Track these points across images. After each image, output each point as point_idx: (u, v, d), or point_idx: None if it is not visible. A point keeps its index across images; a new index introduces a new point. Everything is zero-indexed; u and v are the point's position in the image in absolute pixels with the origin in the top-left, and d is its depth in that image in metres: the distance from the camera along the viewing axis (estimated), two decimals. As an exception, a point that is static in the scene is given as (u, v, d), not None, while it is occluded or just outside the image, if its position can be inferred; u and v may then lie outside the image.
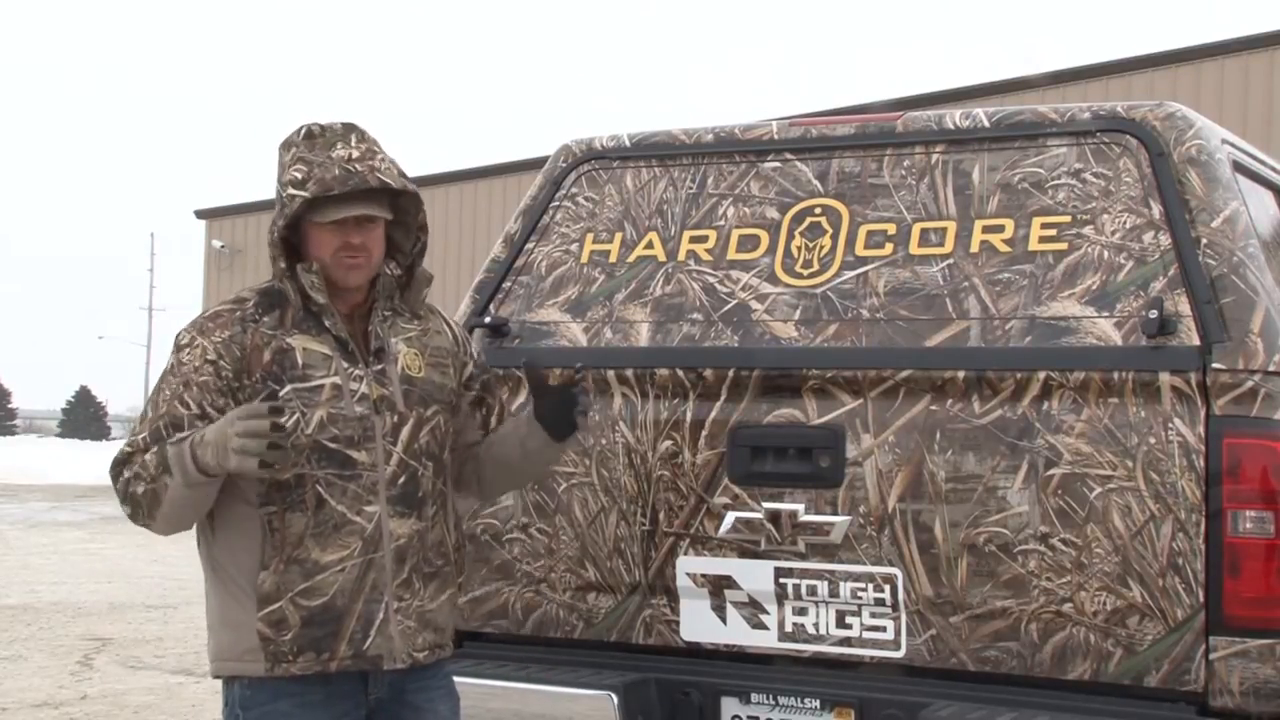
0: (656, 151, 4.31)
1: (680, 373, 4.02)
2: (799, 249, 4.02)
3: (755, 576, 3.92)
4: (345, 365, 3.26)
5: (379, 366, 3.30)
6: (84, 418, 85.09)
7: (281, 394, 3.19)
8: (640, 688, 3.94)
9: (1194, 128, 3.76)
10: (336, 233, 3.23)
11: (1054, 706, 3.61)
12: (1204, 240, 3.61)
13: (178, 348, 3.26)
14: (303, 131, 3.26)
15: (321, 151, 3.22)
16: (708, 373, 3.99)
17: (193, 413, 3.18)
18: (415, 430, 3.31)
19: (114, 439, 71.18)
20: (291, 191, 3.21)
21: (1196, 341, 3.54)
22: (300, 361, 3.23)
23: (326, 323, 3.28)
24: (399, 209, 3.35)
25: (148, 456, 3.15)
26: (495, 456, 3.49)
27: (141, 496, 3.16)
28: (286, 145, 3.28)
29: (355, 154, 3.22)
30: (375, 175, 3.22)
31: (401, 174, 3.29)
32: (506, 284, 4.34)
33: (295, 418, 3.18)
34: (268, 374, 3.20)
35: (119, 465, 3.21)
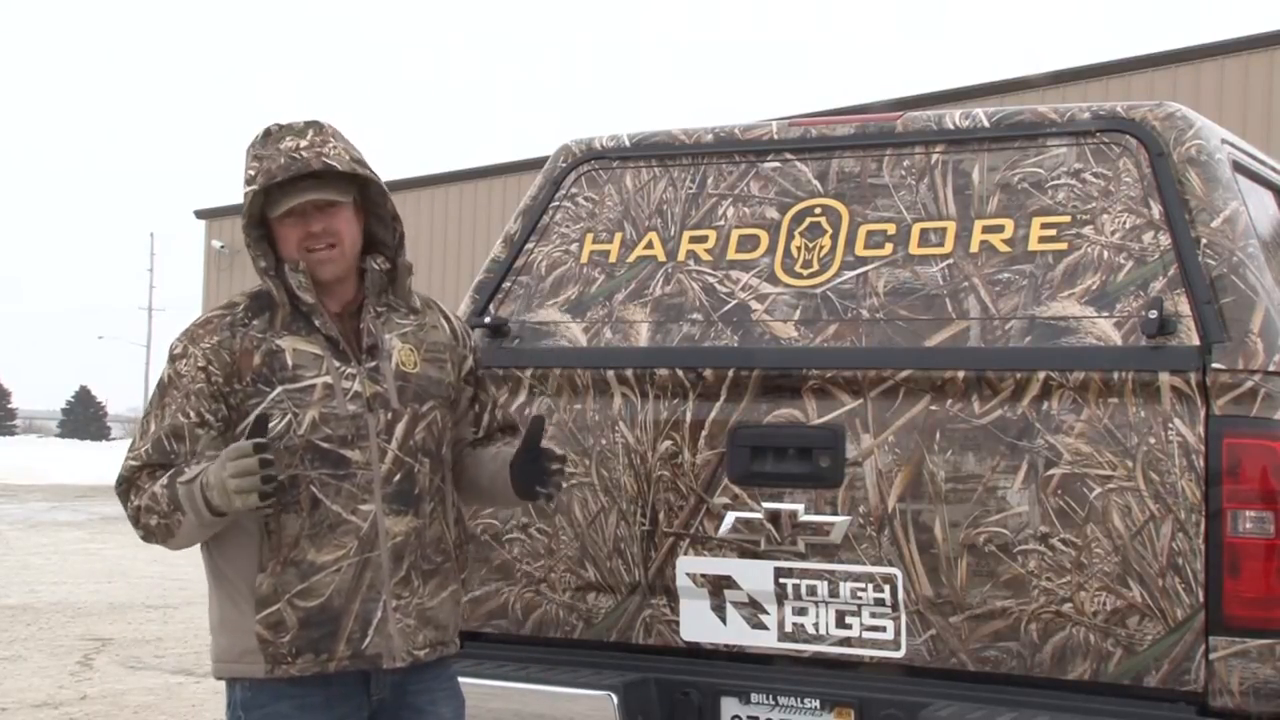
0: (656, 151, 4.30)
1: (680, 373, 4.02)
2: (799, 249, 4.02)
3: (755, 576, 3.92)
4: (337, 364, 3.25)
5: (372, 364, 3.28)
6: (84, 418, 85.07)
7: (272, 395, 3.19)
8: (640, 688, 3.94)
9: (1194, 128, 3.76)
10: (296, 224, 3.22)
11: (1054, 706, 3.61)
12: (1204, 240, 3.61)
13: (172, 358, 3.26)
14: (262, 131, 3.26)
15: (273, 146, 3.22)
16: (707, 373, 3.99)
17: (192, 421, 3.18)
18: (410, 426, 3.29)
19: (114, 439, 71.16)
20: (245, 189, 3.21)
21: (1196, 341, 3.54)
22: (290, 362, 3.22)
23: (316, 322, 3.27)
24: (370, 201, 3.33)
25: (157, 490, 3.15)
26: (475, 476, 3.47)
27: (155, 528, 3.18)
28: (249, 147, 3.27)
29: (304, 143, 3.20)
30: (321, 160, 3.19)
31: (356, 160, 3.25)
32: (506, 284, 4.34)
33: (287, 419, 3.18)
34: (258, 376, 3.20)
35: (126, 487, 3.21)
